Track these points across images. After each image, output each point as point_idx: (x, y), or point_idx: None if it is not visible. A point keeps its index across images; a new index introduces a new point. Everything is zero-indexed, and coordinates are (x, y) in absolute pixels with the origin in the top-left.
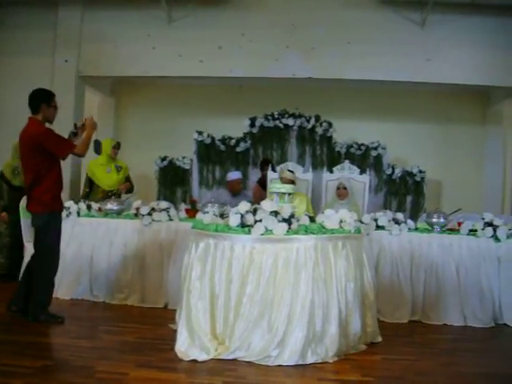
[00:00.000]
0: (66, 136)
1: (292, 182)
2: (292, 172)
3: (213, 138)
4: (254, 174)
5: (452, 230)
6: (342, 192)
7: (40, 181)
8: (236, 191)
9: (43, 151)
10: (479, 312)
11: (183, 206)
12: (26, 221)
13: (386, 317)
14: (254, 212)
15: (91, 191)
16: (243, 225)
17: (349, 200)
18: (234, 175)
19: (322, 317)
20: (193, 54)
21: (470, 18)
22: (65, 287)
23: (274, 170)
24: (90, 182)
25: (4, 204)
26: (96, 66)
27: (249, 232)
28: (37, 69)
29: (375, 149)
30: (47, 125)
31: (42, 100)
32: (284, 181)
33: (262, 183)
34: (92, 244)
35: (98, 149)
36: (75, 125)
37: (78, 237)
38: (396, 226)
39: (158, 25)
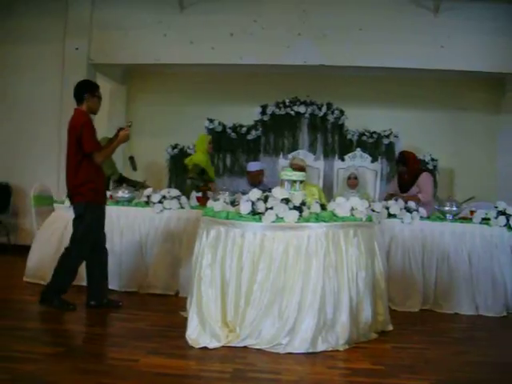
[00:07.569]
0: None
1: (302, 169)
2: (301, 159)
3: (224, 126)
4: (265, 163)
5: (464, 219)
6: (353, 182)
7: (78, 171)
8: (256, 182)
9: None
10: (491, 301)
11: (194, 194)
12: (37, 209)
13: (398, 305)
14: (265, 199)
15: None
16: (254, 212)
17: (358, 189)
18: (253, 166)
19: (332, 305)
20: (204, 41)
21: (483, 5)
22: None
23: None
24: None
25: None
26: (107, 54)
27: (260, 219)
28: (47, 57)
29: (387, 137)
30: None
31: (85, 90)
32: (294, 168)
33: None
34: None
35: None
36: (120, 128)
37: None
38: (408, 214)
39: (170, 11)
